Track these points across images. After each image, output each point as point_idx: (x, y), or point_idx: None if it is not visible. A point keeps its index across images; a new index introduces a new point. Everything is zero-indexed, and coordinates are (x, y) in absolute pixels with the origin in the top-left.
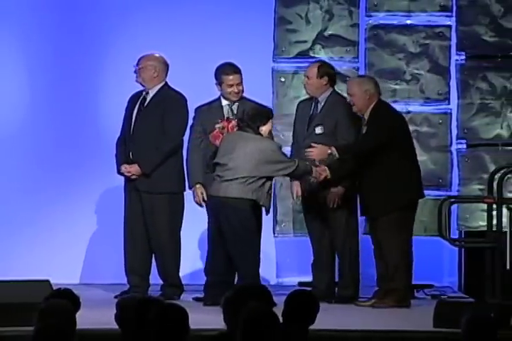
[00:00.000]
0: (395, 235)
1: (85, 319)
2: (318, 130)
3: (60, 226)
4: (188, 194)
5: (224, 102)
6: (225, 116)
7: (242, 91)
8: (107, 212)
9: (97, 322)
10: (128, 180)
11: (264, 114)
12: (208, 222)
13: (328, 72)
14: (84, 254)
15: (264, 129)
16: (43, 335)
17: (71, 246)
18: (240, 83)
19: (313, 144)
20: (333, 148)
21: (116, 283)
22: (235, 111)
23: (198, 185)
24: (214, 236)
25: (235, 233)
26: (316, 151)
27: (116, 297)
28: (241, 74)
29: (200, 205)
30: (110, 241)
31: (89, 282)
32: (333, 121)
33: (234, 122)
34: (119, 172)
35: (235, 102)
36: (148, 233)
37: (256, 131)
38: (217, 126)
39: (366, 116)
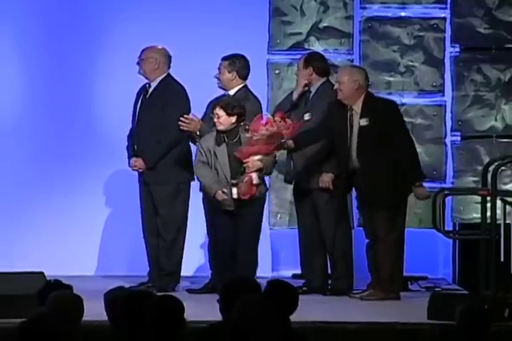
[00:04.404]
0: (391, 226)
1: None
2: (307, 116)
3: (71, 218)
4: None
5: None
6: None
7: (222, 80)
8: (117, 204)
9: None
10: (139, 172)
11: (235, 106)
12: None
13: (314, 63)
14: (98, 246)
15: (222, 118)
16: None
17: (85, 238)
18: (220, 70)
19: None
20: (290, 141)
21: (132, 275)
22: None
23: None
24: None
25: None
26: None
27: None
28: (226, 61)
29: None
30: (124, 232)
31: (105, 274)
32: (322, 109)
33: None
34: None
35: (228, 93)
36: (157, 223)
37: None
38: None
39: (357, 108)
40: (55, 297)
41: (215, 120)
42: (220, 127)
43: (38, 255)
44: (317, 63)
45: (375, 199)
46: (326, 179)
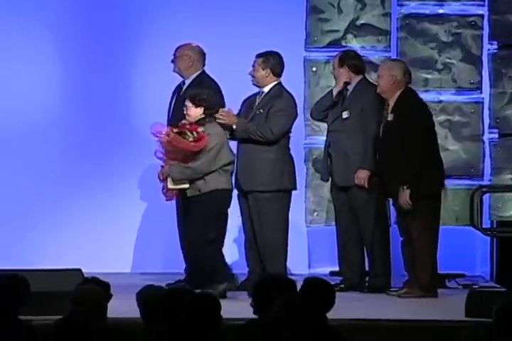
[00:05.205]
0: (422, 223)
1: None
2: (345, 114)
3: (108, 216)
4: None
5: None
6: (256, 104)
7: (257, 77)
8: (153, 201)
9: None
10: None
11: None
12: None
13: (349, 62)
14: (134, 243)
15: (189, 109)
16: (68, 322)
17: (121, 235)
18: (254, 67)
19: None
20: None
21: (168, 272)
22: (256, 102)
23: None
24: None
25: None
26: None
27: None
28: (260, 59)
29: None
30: (160, 229)
31: (141, 271)
32: (360, 107)
33: None
34: None
35: (263, 90)
36: None
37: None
38: None
39: (391, 103)
40: (77, 290)
41: (185, 112)
42: (189, 119)
43: (76, 253)
44: (352, 61)
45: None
46: (362, 175)
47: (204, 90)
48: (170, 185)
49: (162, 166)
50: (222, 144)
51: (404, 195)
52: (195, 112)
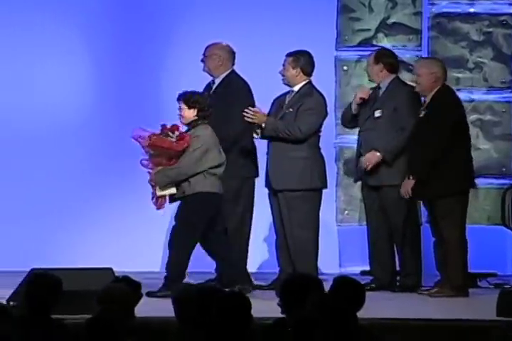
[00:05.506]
0: (451, 222)
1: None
2: (377, 113)
3: (138, 215)
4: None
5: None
6: (285, 103)
7: (287, 77)
8: None
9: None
10: None
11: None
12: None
13: (385, 60)
14: (163, 242)
15: (183, 111)
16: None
17: (151, 234)
18: (284, 66)
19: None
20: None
21: (198, 271)
22: (286, 101)
23: None
24: None
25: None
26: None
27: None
28: (290, 58)
29: None
30: None
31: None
32: (392, 106)
33: None
34: None
35: (293, 89)
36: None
37: None
38: None
39: (427, 99)
40: (103, 289)
41: (178, 114)
42: (182, 120)
43: (105, 252)
44: (387, 59)
45: (430, 192)
46: (371, 157)
47: (198, 92)
48: (158, 192)
49: (149, 173)
50: (210, 146)
51: (407, 184)
52: (188, 114)
